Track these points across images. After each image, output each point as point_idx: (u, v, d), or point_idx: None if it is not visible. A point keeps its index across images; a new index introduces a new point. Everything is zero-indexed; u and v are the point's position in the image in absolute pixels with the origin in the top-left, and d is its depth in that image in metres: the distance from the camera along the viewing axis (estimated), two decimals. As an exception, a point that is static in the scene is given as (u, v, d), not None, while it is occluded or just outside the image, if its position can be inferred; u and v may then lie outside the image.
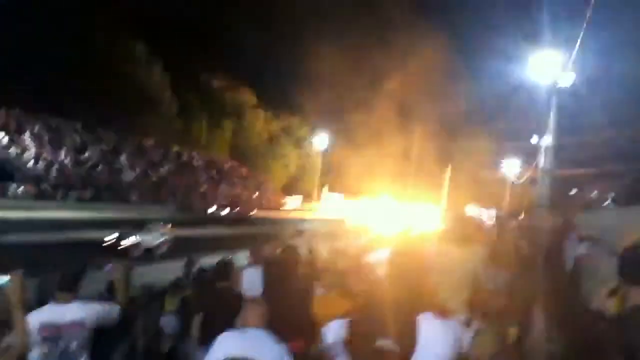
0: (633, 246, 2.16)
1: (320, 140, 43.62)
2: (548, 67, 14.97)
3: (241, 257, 6.57)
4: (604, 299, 2.76)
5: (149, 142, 32.16)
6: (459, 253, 4.09)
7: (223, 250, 10.22)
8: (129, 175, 27.08)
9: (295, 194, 41.65)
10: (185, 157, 34.20)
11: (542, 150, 16.05)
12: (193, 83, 40.87)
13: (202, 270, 6.11)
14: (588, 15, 11.29)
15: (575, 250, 4.41)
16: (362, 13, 46.65)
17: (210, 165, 35.61)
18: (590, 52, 15.13)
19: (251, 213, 30.02)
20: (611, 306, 2.45)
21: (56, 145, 24.98)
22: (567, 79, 14.41)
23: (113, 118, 29.69)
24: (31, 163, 23.27)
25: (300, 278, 4.32)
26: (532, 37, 16.16)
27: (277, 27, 42.17)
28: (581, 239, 4.11)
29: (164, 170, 30.31)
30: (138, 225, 15.76)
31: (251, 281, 4.59)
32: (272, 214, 31.62)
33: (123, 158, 28.08)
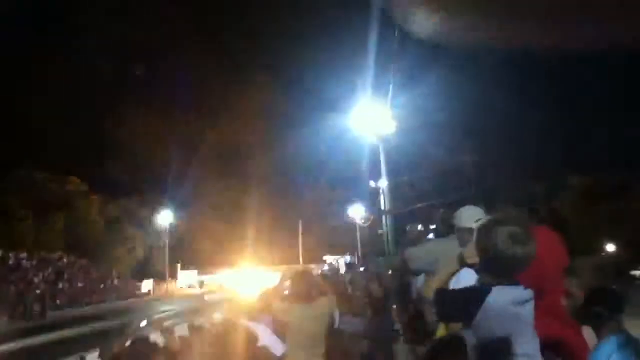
0: (441, 288, 2.30)
1: (166, 218, 42.03)
2: (370, 118, 16.28)
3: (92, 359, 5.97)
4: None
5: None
6: (307, 308, 4.09)
7: (73, 355, 9.20)
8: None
9: (147, 277, 39.30)
10: (11, 261, 30.64)
11: (380, 192, 17.22)
12: (13, 180, 37.38)
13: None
14: (394, 69, 12.54)
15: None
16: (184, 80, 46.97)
17: (43, 264, 32.26)
18: (408, 101, 16.82)
19: (100, 306, 27.76)
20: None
21: None
22: (389, 127, 15.76)
23: None
24: None
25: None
26: (356, 90, 17.52)
27: (88, 109, 40.77)
28: (414, 272, 4.40)
29: (-12, 278, 26.81)
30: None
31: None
32: (123, 303, 29.53)
33: None
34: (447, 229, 3.77)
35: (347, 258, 25.81)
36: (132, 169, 42.43)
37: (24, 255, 32.28)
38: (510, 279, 1.96)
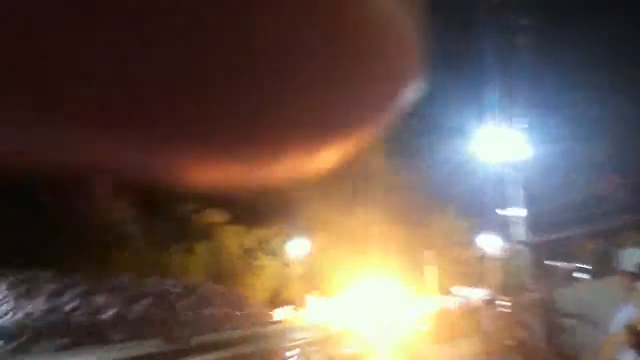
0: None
1: (297, 246, 43.60)
2: (503, 143, 15.89)
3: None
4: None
5: (124, 278, 31.65)
6: (451, 350, 4.15)
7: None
8: (107, 315, 26.29)
9: (280, 305, 40.80)
10: (161, 287, 33.56)
11: (515, 221, 16.58)
12: (158, 213, 41.13)
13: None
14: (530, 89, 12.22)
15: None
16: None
17: (188, 291, 34.91)
18: (544, 126, 16.23)
19: (237, 332, 29.23)
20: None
21: (30, 297, 24.33)
22: (524, 153, 15.28)
23: (84, 261, 29.72)
24: (5, 318, 22.49)
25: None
26: (484, 114, 17.23)
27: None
28: (564, 315, 4.23)
29: (142, 304, 29.56)
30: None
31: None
32: (258, 330, 30.86)
33: (100, 298, 27.38)
34: (601, 268, 3.59)
35: (481, 291, 24.83)
36: (264, 200, 44.65)
37: (172, 282, 35.22)
38: None
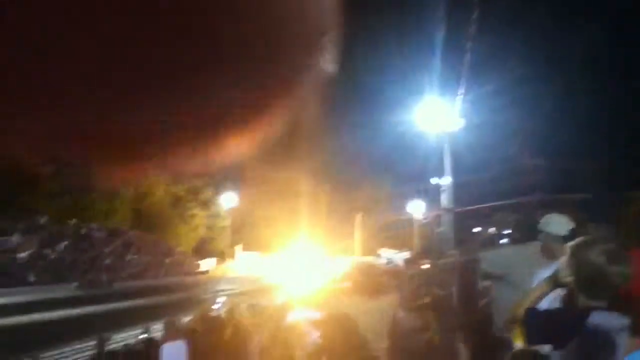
0: (532, 308, 2.19)
1: (229, 199, 43.21)
2: (437, 114, 16.11)
3: (157, 330, 6.31)
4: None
5: (42, 218, 30.25)
6: (370, 303, 4.16)
7: (136, 326, 9.72)
8: (23, 256, 25.16)
9: (208, 256, 40.58)
10: (83, 231, 32.40)
11: (443, 190, 17.04)
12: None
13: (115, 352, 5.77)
14: (466, 63, 12.36)
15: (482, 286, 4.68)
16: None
17: (112, 236, 33.93)
18: (476, 97, 16.50)
19: (163, 280, 28.92)
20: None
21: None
22: (456, 124, 15.55)
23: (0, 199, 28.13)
24: None
25: (227, 347, 4.22)
26: (422, 85, 17.36)
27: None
28: (486, 276, 4.36)
29: (61, 246, 28.47)
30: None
31: (171, 357, 4.39)
32: (185, 279, 30.65)
33: (15, 238, 26.11)
34: (524, 235, 3.69)
35: (405, 254, 25.64)
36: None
37: (95, 225, 34.05)
38: (606, 302, 1.84)
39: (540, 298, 2.29)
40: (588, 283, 1.87)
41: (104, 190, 38.78)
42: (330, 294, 6.46)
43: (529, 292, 2.42)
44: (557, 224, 3.09)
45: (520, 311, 2.18)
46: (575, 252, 1.93)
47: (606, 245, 1.86)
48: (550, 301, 2.30)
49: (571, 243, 2.03)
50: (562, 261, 2.08)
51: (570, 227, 3.01)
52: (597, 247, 1.85)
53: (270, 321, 5.92)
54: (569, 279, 2.00)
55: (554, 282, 2.20)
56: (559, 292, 2.21)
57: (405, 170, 41.41)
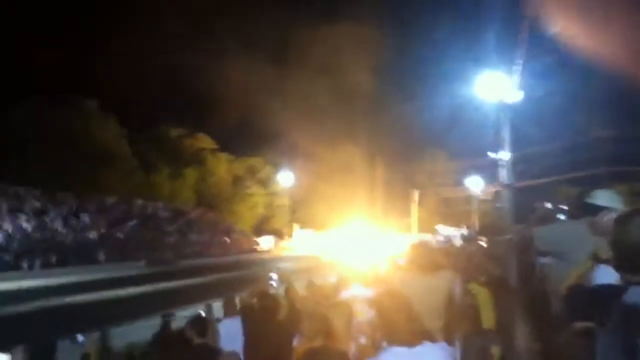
0: (575, 285, 2.19)
1: (286, 178, 43.74)
2: (495, 86, 15.56)
3: (217, 308, 6.52)
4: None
5: (111, 199, 31.65)
6: (427, 280, 4.13)
7: (199, 302, 10.05)
8: (93, 235, 26.49)
9: (266, 235, 41.37)
10: (149, 211, 33.69)
11: (501, 165, 16.56)
12: (150, 136, 40.89)
13: (176, 329, 5.98)
14: (524, 37, 11.86)
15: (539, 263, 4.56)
16: (310, 51, 47.63)
17: (176, 216, 35.14)
18: (535, 70, 15.81)
19: (223, 259, 29.63)
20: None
21: (15, 214, 24.30)
22: (515, 96, 14.98)
23: (71, 179, 29.59)
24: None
25: (281, 326, 4.32)
26: (479, 58, 16.80)
27: (225, 76, 42.68)
28: (541, 253, 4.24)
29: (128, 226, 29.77)
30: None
31: (230, 334, 4.55)
32: (245, 257, 31.29)
33: (85, 218, 27.49)
34: (579, 211, 3.58)
35: (464, 231, 25.20)
36: (257, 130, 44.37)
37: (160, 205, 35.41)
38: None
39: (584, 275, 2.27)
40: (626, 258, 1.79)
41: (169, 169, 40.36)
42: (386, 271, 6.45)
43: (575, 268, 2.40)
44: (603, 197, 3.03)
45: (564, 287, 2.22)
46: (615, 227, 1.85)
47: None
48: (594, 277, 2.26)
49: (612, 216, 1.98)
50: (605, 237, 2.04)
51: (617, 201, 2.94)
52: (636, 221, 1.77)
53: (327, 298, 6.01)
54: (609, 254, 1.97)
55: (596, 258, 2.20)
56: (603, 268, 2.17)
57: (464, 145, 40.42)
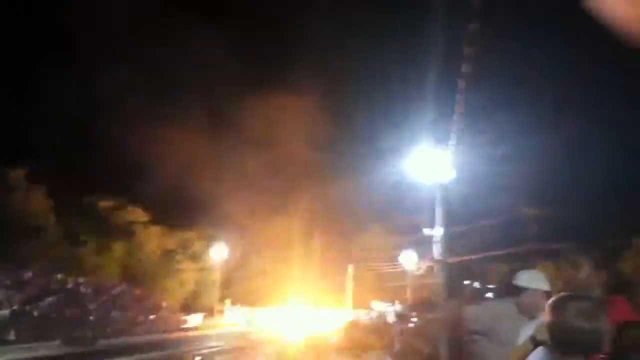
0: None
1: (219, 251, 42.60)
2: (429, 165, 16.06)
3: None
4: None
5: (28, 273, 29.59)
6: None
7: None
8: (5, 313, 24.38)
9: (196, 311, 39.62)
10: (70, 286, 31.66)
11: (435, 240, 16.81)
12: (79, 207, 39.22)
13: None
14: (459, 115, 12.39)
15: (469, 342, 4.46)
16: (246, 122, 48.23)
17: (99, 291, 33.16)
18: (467, 149, 16.48)
19: (148, 337, 28.10)
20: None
21: None
22: (447, 175, 15.49)
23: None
24: None
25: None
26: (415, 136, 17.41)
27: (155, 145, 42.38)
28: (471, 332, 4.17)
29: (46, 302, 27.69)
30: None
31: None
32: (171, 336, 29.82)
33: (-1, 293, 25.43)
34: (508, 291, 3.58)
35: (397, 307, 25.11)
36: (192, 203, 43.61)
37: (82, 280, 33.35)
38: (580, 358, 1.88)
39: (523, 356, 2.32)
40: (563, 341, 1.92)
41: (96, 242, 38.48)
42: (320, 351, 6.19)
43: (514, 350, 2.53)
44: (527, 279, 3.08)
45: None
46: (551, 311, 1.98)
47: (582, 303, 1.93)
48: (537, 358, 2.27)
49: (549, 301, 2.05)
50: (542, 319, 2.14)
51: (541, 281, 3.05)
52: (573, 305, 1.91)
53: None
54: (546, 337, 2.05)
55: (534, 340, 2.30)
56: (540, 351, 2.22)
57: (398, 221, 41.25)
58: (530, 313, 2.91)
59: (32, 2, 49.32)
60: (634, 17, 1.64)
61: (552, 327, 1.96)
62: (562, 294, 2.06)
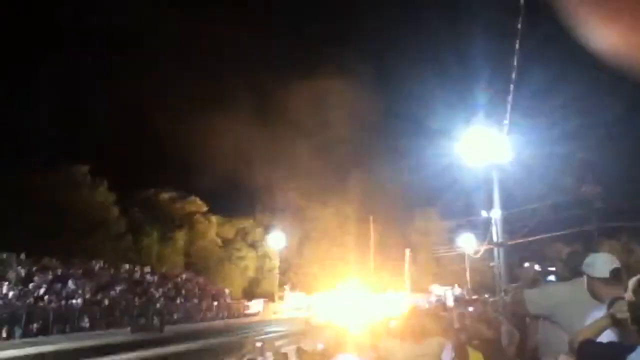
0: (589, 340, 2.25)
1: (277, 239, 43.31)
2: (486, 146, 15.72)
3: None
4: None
5: (97, 263, 31.08)
6: (416, 348, 3.95)
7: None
8: (78, 302, 25.72)
9: (256, 297, 40.54)
10: (137, 275, 33.04)
11: (493, 223, 16.51)
12: (140, 199, 40.74)
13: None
14: (510, 97, 12.06)
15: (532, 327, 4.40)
16: (299, 111, 48.39)
17: (164, 280, 34.46)
18: (524, 129, 16.04)
19: (212, 323, 28.98)
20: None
21: (-2, 280, 23.67)
22: (505, 156, 15.13)
23: (58, 244, 29.21)
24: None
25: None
26: (469, 118, 17.06)
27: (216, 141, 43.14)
28: (532, 316, 4.10)
29: (115, 291, 29.04)
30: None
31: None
32: (233, 322, 30.62)
33: (71, 284, 26.80)
34: (571, 273, 3.48)
35: (457, 290, 24.80)
36: (246, 191, 44.45)
37: (148, 270, 34.76)
38: None
39: (598, 332, 2.32)
40: None
41: (159, 233, 39.96)
42: (378, 336, 6.25)
43: (589, 325, 2.44)
44: (601, 265, 2.91)
45: (577, 342, 2.28)
46: (636, 290, 1.97)
47: None
48: (607, 336, 2.30)
49: (634, 279, 2.03)
50: (627, 297, 2.08)
51: (614, 267, 2.88)
52: None
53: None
54: (626, 315, 2.06)
55: (613, 318, 2.27)
56: (617, 328, 2.26)
57: (456, 204, 40.59)
58: (596, 295, 2.83)
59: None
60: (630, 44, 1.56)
61: (634, 308, 1.95)
62: None
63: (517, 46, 10.08)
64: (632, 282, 2.00)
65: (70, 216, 32.51)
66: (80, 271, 28.92)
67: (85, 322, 24.80)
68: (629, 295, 2.00)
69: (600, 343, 2.23)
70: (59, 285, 26.19)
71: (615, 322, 2.25)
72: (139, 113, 43.57)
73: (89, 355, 16.13)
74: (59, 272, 27.53)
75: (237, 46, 54.49)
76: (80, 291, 26.68)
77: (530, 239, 18.39)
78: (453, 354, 4.50)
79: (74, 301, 25.63)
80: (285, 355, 6.84)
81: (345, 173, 46.77)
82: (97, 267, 30.82)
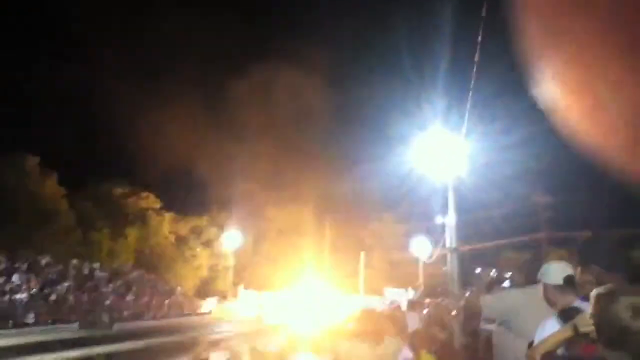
0: (549, 354, 2.26)
1: (232, 238, 42.93)
2: (441, 153, 16.06)
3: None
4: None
5: (45, 258, 30.05)
6: (374, 349, 4.00)
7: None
8: (23, 297, 24.80)
9: (210, 296, 40.08)
10: (86, 271, 32.13)
11: (447, 228, 16.87)
12: (92, 193, 39.67)
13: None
14: (469, 103, 12.37)
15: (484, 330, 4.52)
16: (257, 110, 48.23)
17: (114, 276, 33.62)
18: (479, 137, 16.41)
19: (162, 321, 28.53)
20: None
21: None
22: (460, 163, 15.48)
23: (2, 237, 28.20)
24: None
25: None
26: (426, 125, 17.36)
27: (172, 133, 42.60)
28: (488, 320, 4.22)
29: (62, 287, 28.14)
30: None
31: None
32: (185, 320, 30.25)
33: (15, 278, 25.81)
34: (526, 280, 3.62)
35: (411, 293, 25.19)
36: (202, 188, 43.96)
37: (97, 265, 33.82)
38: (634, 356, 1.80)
39: (558, 345, 2.30)
40: (611, 337, 1.83)
41: (110, 228, 38.94)
42: (332, 337, 6.28)
43: (548, 337, 2.42)
44: (554, 272, 3.04)
45: (537, 354, 2.25)
46: (600, 303, 1.90)
47: (632, 299, 1.81)
48: (567, 348, 2.30)
49: (596, 292, 1.99)
50: (589, 309, 2.03)
51: (567, 275, 3.02)
52: (623, 300, 1.81)
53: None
54: (590, 329, 2.01)
55: (575, 330, 2.24)
56: (578, 340, 2.23)
57: (410, 209, 41.27)
58: (551, 303, 2.94)
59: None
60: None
61: (601, 323, 1.88)
62: (610, 285, 1.98)
63: (476, 58, 10.36)
64: (597, 294, 1.96)
65: (17, 208, 31.43)
66: (25, 265, 27.92)
67: (31, 318, 24.01)
68: (593, 308, 1.95)
69: (562, 356, 2.25)
70: (2, 280, 25.21)
71: (577, 335, 2.23)
72: (93, 106, 42.54)
73: (33, 352, 15.68)
74: (3, 265, 26.50)
75: (191, 36, 53.72)
76: (25, 286, 25.75)
77: (479, 245, 18.88)
78: (410, 355, 4.58)
79: (18, 296, 24.72)
80: (237, 354, 6.80)
81: (303, 175, 46.86)
82: (44, 262, 29.78)
